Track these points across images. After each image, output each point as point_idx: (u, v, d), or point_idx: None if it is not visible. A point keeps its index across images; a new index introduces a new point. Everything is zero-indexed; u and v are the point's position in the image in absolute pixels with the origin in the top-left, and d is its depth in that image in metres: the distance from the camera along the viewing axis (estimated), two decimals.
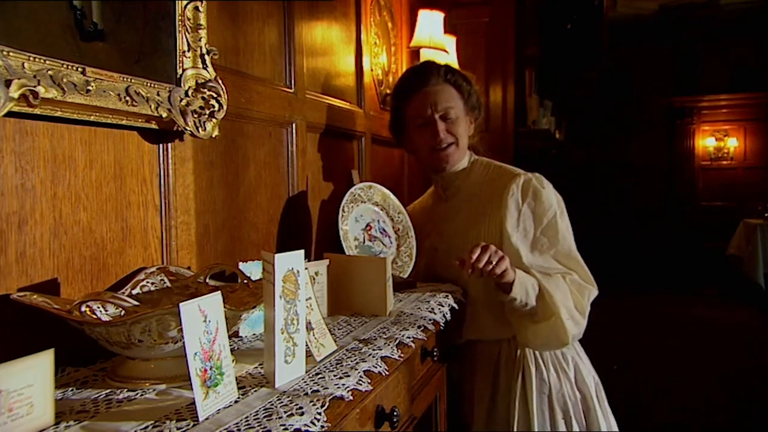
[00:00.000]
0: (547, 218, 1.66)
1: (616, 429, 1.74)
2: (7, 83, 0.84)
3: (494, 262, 1.48)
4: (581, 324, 1.62)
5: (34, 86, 0.88)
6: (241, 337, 1.22)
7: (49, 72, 0.91)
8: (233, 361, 0.93)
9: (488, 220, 1.69)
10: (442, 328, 1.52)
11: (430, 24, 2.63)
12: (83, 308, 0.91)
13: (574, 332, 1.58)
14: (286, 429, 0.75)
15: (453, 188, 1.86)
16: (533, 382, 1.66)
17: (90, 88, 0.98)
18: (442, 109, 1.75)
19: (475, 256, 1.46)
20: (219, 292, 0.87)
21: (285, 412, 0.80)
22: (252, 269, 1.21)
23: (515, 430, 1.64)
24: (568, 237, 1.68)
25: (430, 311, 1.46)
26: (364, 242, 1.68)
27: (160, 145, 1.23)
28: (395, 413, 1.11)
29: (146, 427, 0.76)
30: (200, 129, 1.23)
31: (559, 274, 1.63)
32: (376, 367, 1.04)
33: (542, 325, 1.60)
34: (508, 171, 1.77)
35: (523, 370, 1.68)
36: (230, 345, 0.89)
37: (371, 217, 1.74)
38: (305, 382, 0.93)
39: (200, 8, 1.25)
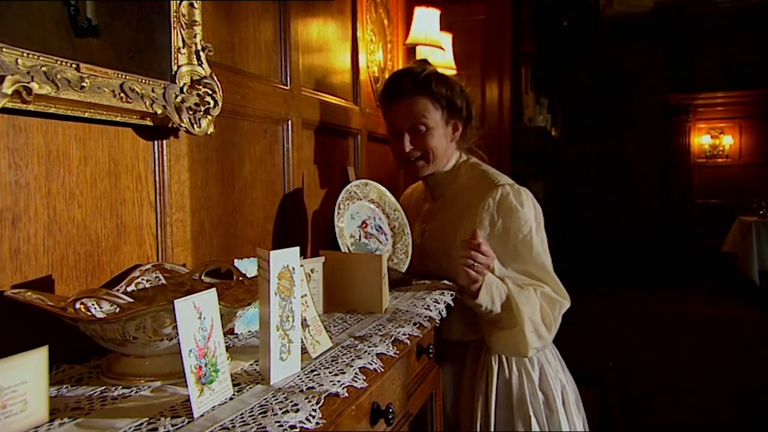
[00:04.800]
0: (522, 233, 1.66)
1: (581, 431, 1.75)
2: (1, 79, 0.83)
3: (482, 261, 1.52)
4: (546, 338, 1.63)
5: (28, 82, 0.87)
6: (236, 334, 1.22)
7: (43, 68, 0.91)
8: (228, 358, 0.93)
9: (464, 226, 1.69)
10: (437, 325, 1.52)
11: (426, 21, 2.63)
12: (77, 305, 0.91)
13: (535, 345, 1.60)
14: (281, 426, 0.75)
15: (439, 191, 1.87)
16: (495, 383, 1.67)
17: (84, 84, 0.97)
18: (409, 122, 1.75)
19: (479, 243, 1.51)
20: (214, 289, 0.87)
21: (280, 409, 0.80)
22: (247, 266, 1.21)
23: (477, 428, 1.67)
24: (542, 251, 1.68)
25: (425, 308, 1.46)
26: (359, 239, 1.68)
27: (155, 142, 1.23)
28: (391, 410, 1.11)
29: (141, 424, 0.75)
30: (195, 126, 1.23)
31: (531, 287, 1.63)
32: (371, 364, 1.04)
33: (505, 332, 1.62)
34: (488, 179, 1.75)
35: (487, 370, 1.69)
36: (225, 342, 0.89)
37: (367, 214, 1.74)
38: (300, 379, 0.93)
39: (195, 4, 1.24)
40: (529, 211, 1.68)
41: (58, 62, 0.94)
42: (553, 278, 1.68)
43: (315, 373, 0.96)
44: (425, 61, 1.87)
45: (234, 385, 0.88)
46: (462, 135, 1.84)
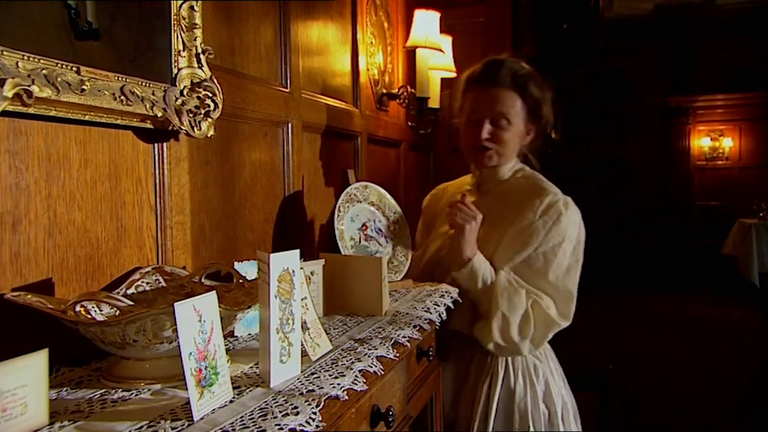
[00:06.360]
0: (554, 241, 1.63)
1: None
2: (1, 82, 0.84)
3: (466, 212, 1.64)
4: (515, 343, 1.61)
5: (29, 85, 0.87)
6: (236, 336, 1.22)
7: (44, 71, 0.91)
8: (228, 360, 0.93)
9: (503, 225, 1.68)
10: (437, 327, 1.52)
11: (426, 24, 2.63)
12: (78, 308, 0.91)
13: (497, 340, 1.61)
14: (281, 429, 0.75)
15: (488, 186, 1.83)
16: (498, 387, 1.67)
17: (85, 87, 0.97)
18: (494, 113, 1.72)
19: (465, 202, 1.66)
20: (214, 291, 0.87)
21: (280, 412, 0.80)
22: (247, 269, 1.20)
23: (474, 430, 1.66)
24: (564, 268, 1.64)
25: (425, 311, 1.46)
26: (359, 242, 1.68)
27: (155, 145, 1.23)
28: (391, 413, 1.11)
29: (141, 427, 0.75)
30: (195, 128, 1.23)
31: (525, 291, 1.62)
32: (371, 367, 1.04)
33: (482, 321, 1.65)
34: (542, 186, 1.74)
35: (492, 374, 1.69)
36: (225, 345, 0.89)
37: (367, 216, 1.74)
38: (300, 381, 0.93)
39: (195, 7, 1.25)
40: (573, 228, 1.66)
41: (59, 65, 0.94)
42: (565, 296, 1.64)
43: (315, 375, 0.95)
44: (521, 58, 1.83)
45: (234, 388, 0.88)
46: (530, 141, 1.82)
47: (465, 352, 1.75)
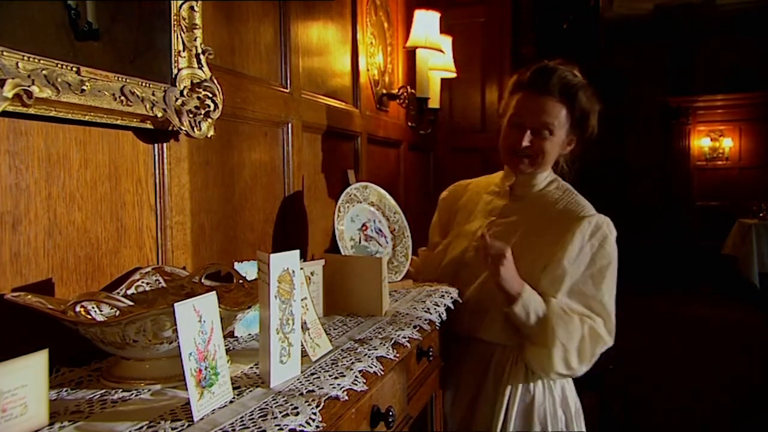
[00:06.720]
0: (600, 264, 1.64)
1: None
2: (1, 83, 0.84)
3: (493, 259, 1.54)
4: (575, 369, 1.62)
5: (29, 86, 0.87)
6: (236, 337, 1.22)
7: (44, 71, 0.91)
8: (228, 361, 0.93)
9: (542, 244, 1.67)
10: (437, 327, 1.52)
11: (426, 24, 2.63)
12: (78, 308, 0.91)
13: (560, 370, 1.60)
14: (281, 429, 0.75)
15: (521, 191, 1.81)
16: (518, 392, 1.66)
17: (85, 87, 0.97)
18: (537, 122, 1.68)
19: (488, 243, 1.56)
20: (214, 292, 0.87)
21: (280, 412, 0.80)
22: (248, 269, 1.21)
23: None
24: (610, 287, 1.66)
25: (425, 311, 1.46)
26: (360, 242, 1.68)
27: (156, 145, 1.23)
28: (391, 413, 1.11)
29: (141, 428, 0.75)
30: (195, 129, 1.23)
31: (578, 317, 1.61)
32: (371, 367, 1.04)
33: (536, 347, 1.62)
34: (581, 204, 1.73)
35: (512, 378, 1.68)
36: (225, 345, 0.89)
37: (367, 217, 1.74)
38: (300, 382, 0.93)
39: (195, 8, 1.25)
40: (613, 250, 1.67)
41: (59, 66, 0.94)
42: (610, 318, 1.65)
43: (315, 376, 0.96)
44: (573, 66, 1.80)
45: (234, 389, 0.88)
46: (570, 151, 1.80)
47: (484, 355, 1.73)
